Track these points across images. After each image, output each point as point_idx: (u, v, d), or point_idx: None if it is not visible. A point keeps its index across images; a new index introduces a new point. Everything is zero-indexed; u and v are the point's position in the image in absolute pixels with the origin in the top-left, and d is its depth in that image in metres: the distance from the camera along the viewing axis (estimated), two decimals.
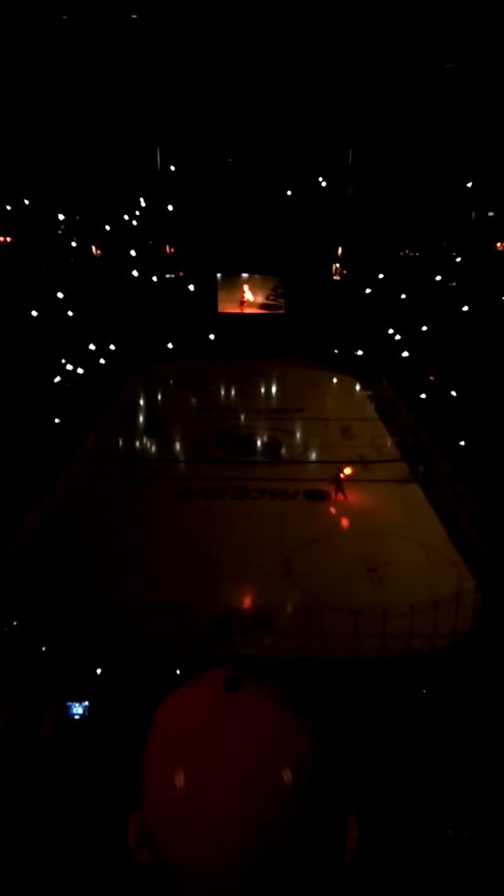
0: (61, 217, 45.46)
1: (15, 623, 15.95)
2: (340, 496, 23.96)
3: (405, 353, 34.21)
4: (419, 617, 15.91)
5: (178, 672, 13.79)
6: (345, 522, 22.65)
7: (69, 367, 31.54)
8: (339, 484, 24.10)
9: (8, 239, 43.80)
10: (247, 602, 18.12)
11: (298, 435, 30.90)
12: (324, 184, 45.83)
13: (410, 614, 15.84)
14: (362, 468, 26.50)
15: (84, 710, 10.56)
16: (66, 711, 11.13)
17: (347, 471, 24.54)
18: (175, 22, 39.74)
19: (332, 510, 23.62)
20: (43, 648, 14.81)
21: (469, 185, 42.42)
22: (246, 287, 45.71)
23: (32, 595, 17.44)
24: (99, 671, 13.56)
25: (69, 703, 11.07)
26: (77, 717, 10.68)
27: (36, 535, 21.04)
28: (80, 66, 40.73)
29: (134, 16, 40.38)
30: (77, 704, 10.50)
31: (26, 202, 42.84)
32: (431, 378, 32.53)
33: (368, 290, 41.56)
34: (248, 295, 45.94)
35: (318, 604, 17.11)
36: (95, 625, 15.74)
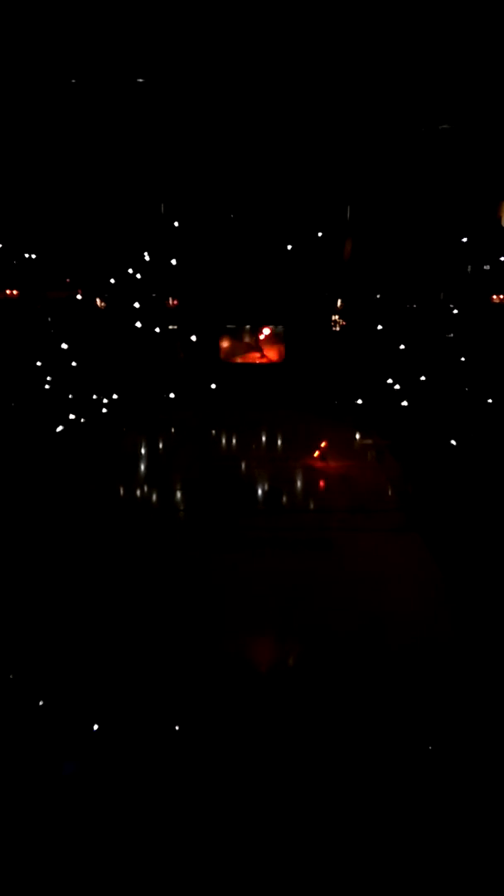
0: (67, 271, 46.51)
1: (11, 677, 15.76)
2: (321, 463, 31.21)
3: (404, 403, 34.51)
4: (422, 669, 15.66)
5: (177, 728, 13.58)
6: (346, 573, 22.44)
7: (72, 416, 31.85)
8: (321, 453, 31.79)
9: (14, 292, 44.76)
10: (244, 657, 17.83)
11: (299, 484, 30.91)
12: (323, 238, 46.91)
13: (413, 667, 15.62)
14: (364, 518, 26.52)
15: (76, 768, 10.37)
16: (61, 770, 10.94)
17: (323, 444, 32.30)
18: (178, 82, 41.42)
19: (320, 481, 29.90)
20: (40, 703, 14.59)
21: (465, 239, 43.45)
22: (266, 330, 46.13)
23: (25, 650, 17.26)
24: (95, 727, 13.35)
25: (65, 763, 10.89)
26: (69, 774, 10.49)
27: (33, 589, 20.85)
28: (86, 123, 42.29)
29: (140, 80, 42.11)
30: (70, 764, 10.32)
31: (32, 256, 43.92)
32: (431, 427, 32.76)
33: (368, 341, 42.16)
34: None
35: (317, 657, 16.86)
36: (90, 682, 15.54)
